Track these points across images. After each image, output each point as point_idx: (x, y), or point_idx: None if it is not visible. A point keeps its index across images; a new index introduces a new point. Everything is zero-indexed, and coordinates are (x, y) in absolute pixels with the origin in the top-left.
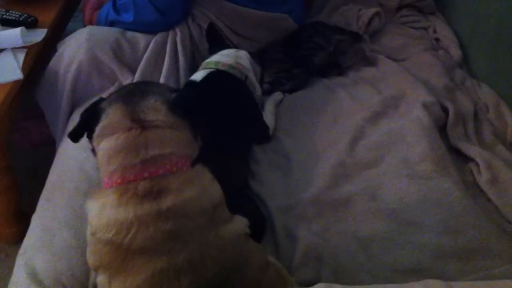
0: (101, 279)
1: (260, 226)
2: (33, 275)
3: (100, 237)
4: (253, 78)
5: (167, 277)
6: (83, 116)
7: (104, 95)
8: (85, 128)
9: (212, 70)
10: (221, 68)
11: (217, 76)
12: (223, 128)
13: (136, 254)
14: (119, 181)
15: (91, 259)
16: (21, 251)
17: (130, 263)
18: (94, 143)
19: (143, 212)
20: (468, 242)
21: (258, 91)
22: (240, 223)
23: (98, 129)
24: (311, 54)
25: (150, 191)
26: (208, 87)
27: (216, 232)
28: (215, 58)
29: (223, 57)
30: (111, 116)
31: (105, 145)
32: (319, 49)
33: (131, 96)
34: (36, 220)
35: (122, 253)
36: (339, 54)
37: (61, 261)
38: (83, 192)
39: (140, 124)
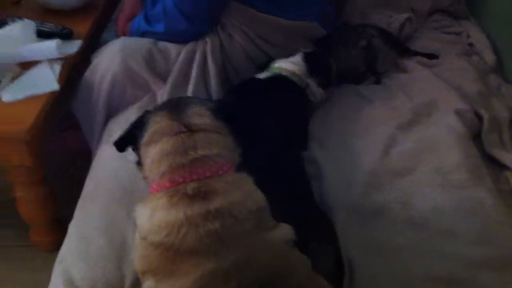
0: (148, 284)
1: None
2: (70, 283)
3: (151, 240)
4: (314, 87)
5: (215, 279)
6: (129, 127)
7: (137, 105)
8: (130, 137)
9: (275, 74)
10: (284, 73)
11: (277, 80)
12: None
13: (186, 255)
14: (167, 184)
15: (139, 264)
16: (58, 258)
17: (180, 265)
18: (142, 151)
19: (193, 213)
20: (502, 253)
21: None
22: (286, 230)
23: (146, 136)
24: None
25: (198, 192)
26: (267, 89)
27: (262, 237)
28: (280, 63)
29: (288, 64)
30: (159, 122)
31: (153, 150)
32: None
33: (175, 105)
34: (73, 229)
35: (172, 254)
36: (372, 60)
37: (97, 269)
38: (117, 200)
39: (188, 127)
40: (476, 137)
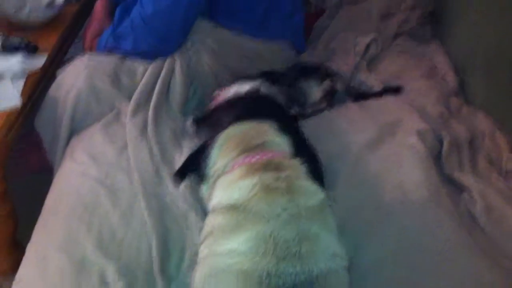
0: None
1: None
2: None
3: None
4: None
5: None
6: None
7: (102, 122)
8: None
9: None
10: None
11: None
12: None
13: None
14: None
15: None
16: (16, 280)
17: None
18: None
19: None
20: (461, 276)
21: None
22: None
23: None
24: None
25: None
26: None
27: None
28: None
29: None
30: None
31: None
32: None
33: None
34: (31, 247)
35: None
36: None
37: (54, 286)
38: (78, 216)
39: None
40: (437, 158)
